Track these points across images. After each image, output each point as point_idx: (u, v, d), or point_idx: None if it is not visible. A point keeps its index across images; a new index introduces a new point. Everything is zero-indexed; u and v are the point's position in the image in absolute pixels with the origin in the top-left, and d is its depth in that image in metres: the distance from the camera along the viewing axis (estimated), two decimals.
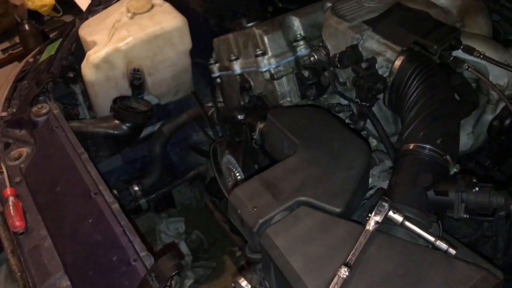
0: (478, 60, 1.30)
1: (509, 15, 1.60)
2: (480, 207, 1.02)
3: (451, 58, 1.29)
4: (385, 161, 1.38)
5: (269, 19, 1.65)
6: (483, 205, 1.01)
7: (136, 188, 1.94)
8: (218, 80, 1.88)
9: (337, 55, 1.36)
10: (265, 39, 1.53)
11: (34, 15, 4.79)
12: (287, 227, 0.99)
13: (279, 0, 1.96)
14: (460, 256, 0.92)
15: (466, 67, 1.27)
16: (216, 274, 2.23)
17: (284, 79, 1.56)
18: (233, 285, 1.09)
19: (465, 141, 1.42)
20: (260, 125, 1.47)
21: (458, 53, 1.31)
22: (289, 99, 1.57)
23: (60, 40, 2.12)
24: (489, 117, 1.40)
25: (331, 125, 1.26)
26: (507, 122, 1.36)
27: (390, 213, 0.95)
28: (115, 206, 1.26)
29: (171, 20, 1.89)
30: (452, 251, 0.92)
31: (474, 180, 1.03)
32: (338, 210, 1.03)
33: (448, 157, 1.08)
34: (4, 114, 1.84)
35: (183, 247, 2.19)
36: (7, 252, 1.33)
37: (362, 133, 1.45)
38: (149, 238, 2.32)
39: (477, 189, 1.01)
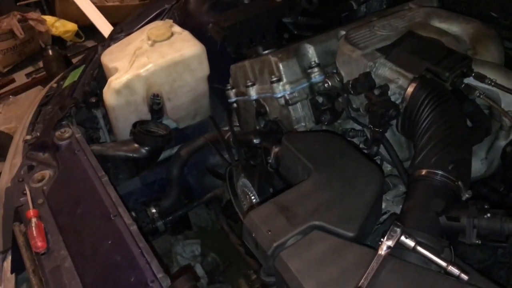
0: (490, 87, 1.32)
1: None
2: (492, 233, 1.02)
3: (462, 85, 1.31)
4: (399, 186, 1.40)
5: (285, 46, 1.69)
6: (495, 231, 1.01)
7: (154, 210, 1.97)
8: (235, 105, 1.92)
9: (351, 82, 1.40)
10: (280, 66, 1.57)
11: (57, 40, 4.96)
12: (300, 250, 1.01)
13: (295, 28, 2.01)
14: (472, 282, 0.93)
15: (478, 94, 1.29)
16: None
17: (298, 104, 1.59)
18: None
19: (479, 166, 1.43)
20: (275, 149, 1.50)
21: (470, 80, 1.33)
22: (303, 124, 1.60)
23: (83, 66, 2.20)
24: (502, 143, 1.40)
25: (345, 150, 1.28)
26: None
27: (402, 238, 0.96)
28: (134, 228, 1.29)
29: (190, 48, 1.94)
30: (465, 276, 0.93)
31: (486, 206, 1.04)
32: (351, 234, 1.04)
33: (460, 183, 1.09)
34: (28, 137, 1.90)
35: (199, 270, 2.20)
36: (29, 272, 1.36)
37: (376, 157, 1.47)
38: (165, 260, 2.33)
39: (488, 215, 1.01)
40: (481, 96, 1.29)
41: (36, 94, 2.58)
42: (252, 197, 1.64)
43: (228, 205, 2.00)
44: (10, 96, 4.40)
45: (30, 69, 4.84)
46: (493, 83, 1.30)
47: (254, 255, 1.12)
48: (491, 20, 1.65)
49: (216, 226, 2.36)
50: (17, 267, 1.55)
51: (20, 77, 4.72)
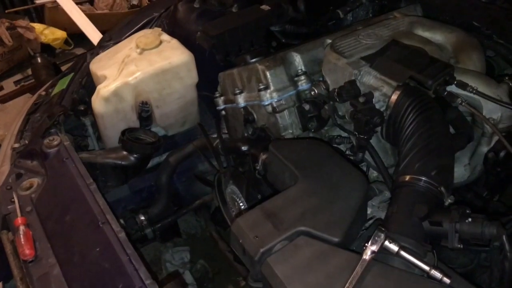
0: (472, 94, 1.35)
1: (502, 51, 1.66)
2: (473, 238, 1.05)
3: (445, 93, 1.34)
4: (384, 192, 1.42)
5: (272, 54, 1.71)
6: (476, 235, 1.04)
7: (142, 218, 1.97)
8: (223, 112, 1.94)
9: (336, 90, 1.42)
10: (267, 74, 1.59)
11: (46, 48, 4.93)
12: (287, 256, 1.03)
13: (283, 36, 2.04)
14: (454, 286, 0.95)
15: (460, 102, 1.32)
16: None
17: (286, 112, 1.61)
18: None
19: (462, 172, 1.46)
20: (263, 156, 1.51)
21: (452, 88, 1.36)
22: (290, 131, 1.62)
23: (72, 74, 2.20)
24: (484, 149, 1.44)
25: (330, 157, 1.31)
26: (502, 154, 1.40)
27: (386, 243, 0.98)
28: (122, 235, 1.29)
29: (178, 56, 1.95)
30: (447, 280, 0.95)
31: (468, 211, 1.07)
32: (336, 239, 1.06)
33: (442, 188, 1.12)
34: (17, 145, 1.89)
35: (188, 277, 2.21)
36: (17, 280, 1.35)
37: (363, 164, 1.49)
38: (155, 267, 2.34)
39: (470, 219, 1.04)
40: (463, 104, 1.32)
41: (25, 102, 2.57)
42: (241, 204, 1.66)
43: (217, 212, 2.01)
44: None
45: (18, 76, 4.81)
46: (474, 91, 1.33)
47: (243, 262, 1.13)
48: (473, 29, 1.69)
49: (205, 233, 2.37)
50: (5, 275, 1.55)
51: (8, 85, 4.69)
